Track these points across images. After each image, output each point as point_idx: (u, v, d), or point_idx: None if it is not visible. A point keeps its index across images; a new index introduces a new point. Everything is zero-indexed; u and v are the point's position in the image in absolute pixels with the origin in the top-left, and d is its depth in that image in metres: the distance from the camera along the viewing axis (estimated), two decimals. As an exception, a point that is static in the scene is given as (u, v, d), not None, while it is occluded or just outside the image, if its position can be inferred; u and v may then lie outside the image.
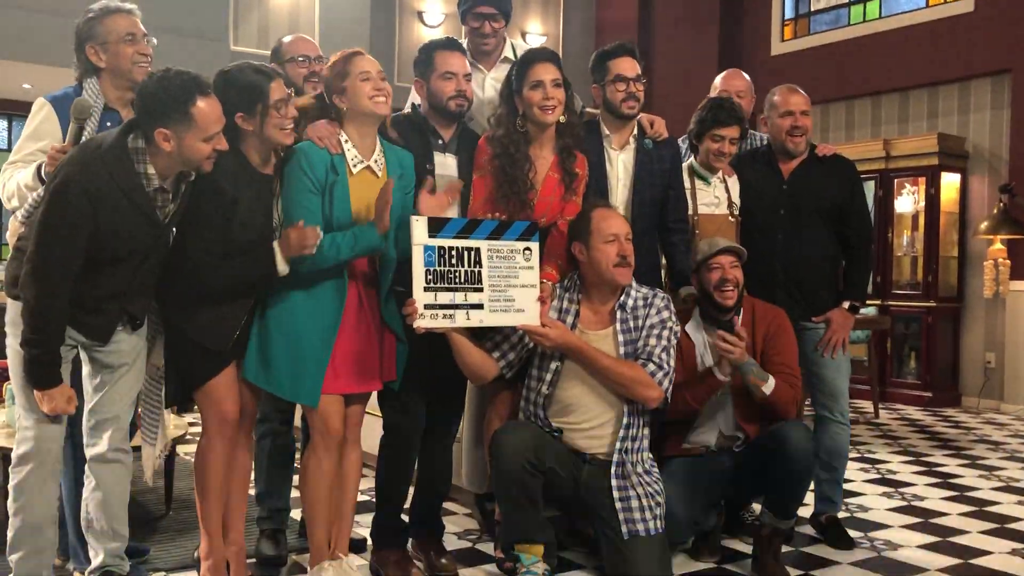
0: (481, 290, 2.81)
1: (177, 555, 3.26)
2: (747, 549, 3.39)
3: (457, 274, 2.78)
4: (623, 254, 3.02)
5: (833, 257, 3.68)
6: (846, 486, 4.00)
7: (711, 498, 3.32)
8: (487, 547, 3.44)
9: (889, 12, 8.27)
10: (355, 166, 2.79)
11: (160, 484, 3.89)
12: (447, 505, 3.67)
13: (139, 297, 2.68)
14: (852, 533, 3.63)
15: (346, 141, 2.80)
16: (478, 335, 3.00)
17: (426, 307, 2.73)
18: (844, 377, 3.63)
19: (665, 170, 3.43)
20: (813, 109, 3.84)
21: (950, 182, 7.65)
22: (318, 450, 2.81)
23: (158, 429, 2.99)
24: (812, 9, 8.91)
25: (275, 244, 2.64)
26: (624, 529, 2.92)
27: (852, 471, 4.75)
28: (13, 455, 2.64)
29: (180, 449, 4.06)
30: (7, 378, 2.82)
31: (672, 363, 3.05)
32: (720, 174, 3.64)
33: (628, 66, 3.32)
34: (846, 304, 3.60)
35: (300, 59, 3.35)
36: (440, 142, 3.15)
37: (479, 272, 2.81)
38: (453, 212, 3.11)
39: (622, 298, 3.10)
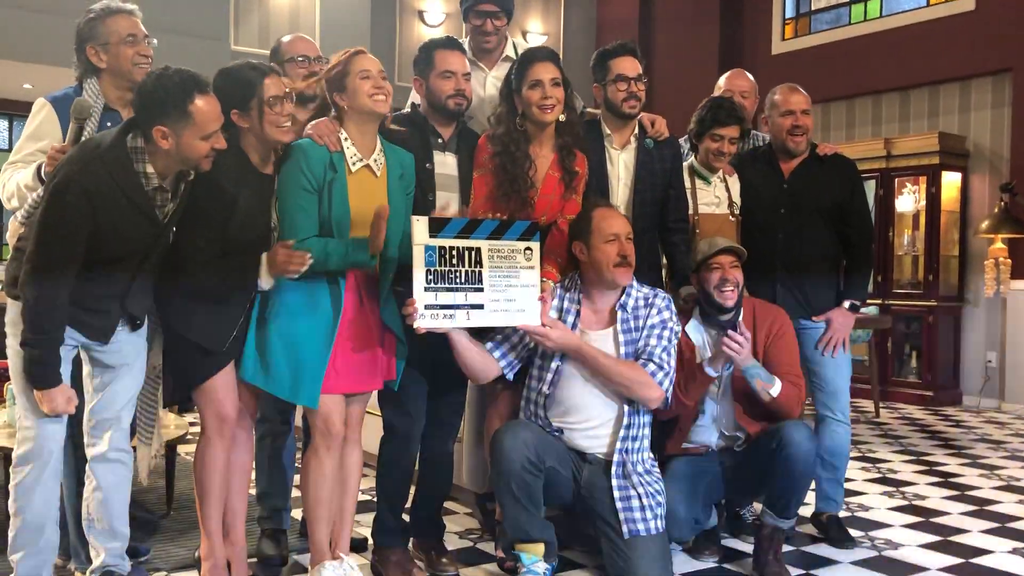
0: (482, 290, 2.81)
1: (178, 555, 3.26)
2: (748, 548, 3.39)
3: (458, 274, 2.78)
4: (623, 254, 3.02)
5: (834, 256, 3.68)
6: (847, 485, 4.00)
7: (712, 497, 3.32)
8: (488, 547, 3.44)
9: (890, 11, 8.26)
10: (354, 164, 2.79)
11: (161, 484, 3.90)
12: (448, 505, 3.67)
13: (139, 297, 2.67)
14: (853, 532, 3.63)
15: (346, 139, 2.80)
16: (479, 335, 3.00)
17: (426, 307, 2.73)
18: (845, 376, 3.63)
19: (666, 169, 3.43)
20: (814, 108, 3.83)
21: (951, 181, 7.65)
22: (319, 450, 2.81)
23: (154, 429, 2.99)
24: (813, 8, 8.91)
25: (263, 257, 2.64)
26: (625, 529, 2.92)
27: (853, 470, 4.75)
28: (14, 455, 2.64)
29: (181, 449, 4.06)
30: (8, 378, 2.82)
31: (673, 363, 3.05)
32: (721, 173, 3.63)
33: (629, 65, 3.32)
34: (847, 303, 3.59)
35: (299, 59, 3.35)
36: (440, 141, 3.15)
37: (480, 272, 2.81)
38: (453, 211, 3.12)
39: (623, 298, 3.09)
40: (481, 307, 2.81)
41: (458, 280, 2.78)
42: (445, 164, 3.14)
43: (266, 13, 8.73)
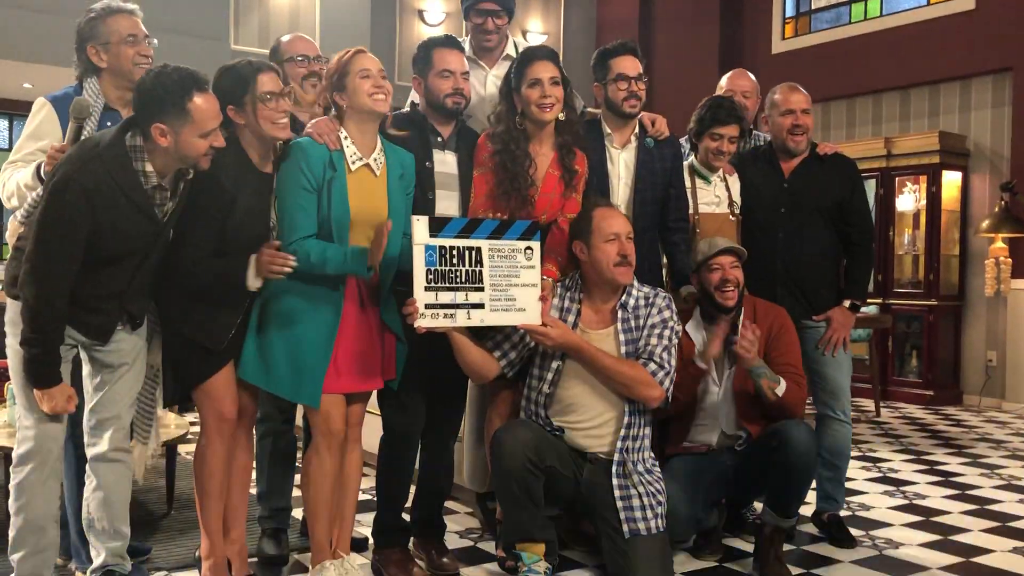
0: (482, 289, 2.81)
1: (179, 554, 3.26)
2: (749, 547, 3.39)
3: (458, 273, 2.78)
4: (624, 253, 3.02)
5: (834, 256, 3.68)
6: (848, 484, 4.00)
7: (713, 497, 3.32)
8: (488, 546, 3.43)
9: (890, 10, 8.26)
10: (354, 163, 2.79)
11: (161, 483, 3.89)
12: (448, 504, 3.67)
13: (138, 296, 2.67)
14: (854, 531, 3.63)
15: (345, 138, 2.79)
16: (479, 334, 3.00)
17: (427, 307, 2.72)
18: (845, 375, 3.63)
19: (666, 169, 3.43)
20: (814, 107, 3.83)
21: (951, 180, 7.65)
22: (320, 449, 2.81)
23: (151, 428, 2.99)
24: (813, 7, 8.90)
25: (252, 258, 2.64)
26: (625, 528, 2.92)
27: (854, 469, 4.74)
28: (14, 454, 2.64)
29: (181, 448, 4.06)
30: (8, 378, 2.82)
31: (673, 363, 3.05)
32: (721, 173, 3.63)
33: (630, 65, 3.32)
34: (847, 303, 3.60)
35: (299, 59, 3.35)
36: (439, 140, 3.15)
37: (480, 271, 2.81)
38: (453, 211, 3.12)
39: (623, 297, 3.09)
40: (481, 306, 2.81)
41: (458, 280, 2.78)
42: (445, 163, 3.14)
43: (266, 13, 8.72)
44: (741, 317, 3.29)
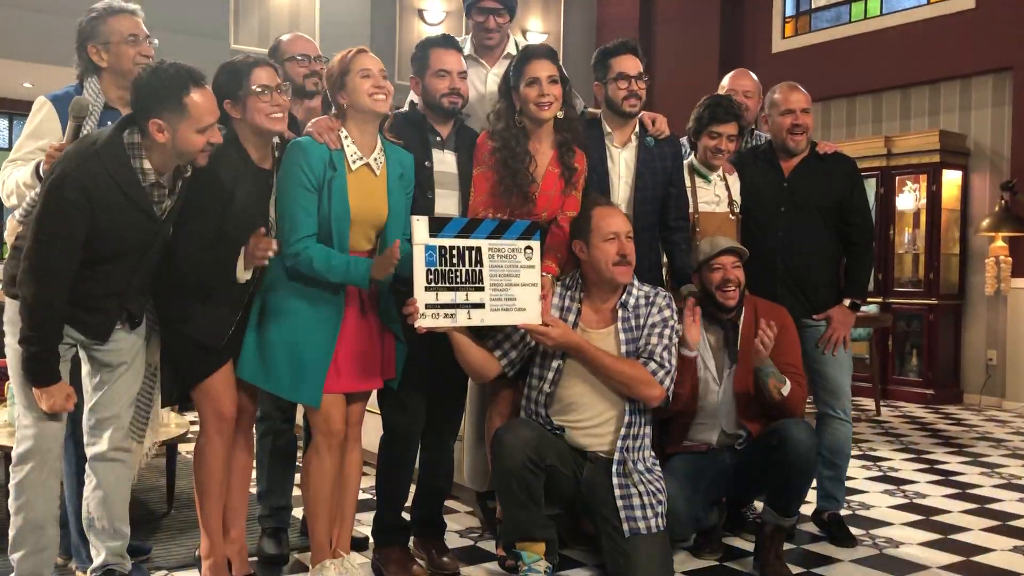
0: (482, 289, 2.81)
1: (179, 554, 3.26)
2: (749, 546, 3.39)
3: (458, 273, 2.78)
4: (623, 252, 3.02)
5: (834, 255, 3.68)
6: (848, 483, 4.00)
7: (713, 495, 3.32)
8: (489, 545, 3.43)
9: (890, 9, 8.25)
10: (354, 163, 2.79)
11: (162, 483, 3.89)
12: (449, 503, 3.67)
13: (137, 295, 2.67)
14: (854, 530, 3.63)
15: (346, 137, 2.79)
16: (479, 334, 3.00)
17: (427, 307, 2.72)
18: (846, 374, 3.63)
19: (667, 168, 3.43)
20: (814, 106, 3.83)
21: (951, 179, 7.64)
22: (320, 449, 2.81)
23: (147, 426, 2.99)
24: (813, 6, 8.90)
25: (242, 250, 2.63)
26: (626, 527, 2.92)
27: (854, 468, 4.74)
28: (14, 454, 2.64)
29: (181, 448, 4.06)
30: (7, 377, 2.82)
31: (674, 362, 3.05)
32: (720, 172, 3.63)
33: (630, 64, 3.32)
34: (847, 301, 3.60)
35: (299, 58, 3.35)
36: (438, 139, 3.15)
37: (480, 271, 2.81)
38: (453, 211, 3.12)
39: (624, 296, 3.09)
40: (482, 306, 2.81)
41: (459, 279, 2.78)
42: (444, 162, 3.14)
43: (266, 12, 8.72)
44: (741, 317, 3.29)
